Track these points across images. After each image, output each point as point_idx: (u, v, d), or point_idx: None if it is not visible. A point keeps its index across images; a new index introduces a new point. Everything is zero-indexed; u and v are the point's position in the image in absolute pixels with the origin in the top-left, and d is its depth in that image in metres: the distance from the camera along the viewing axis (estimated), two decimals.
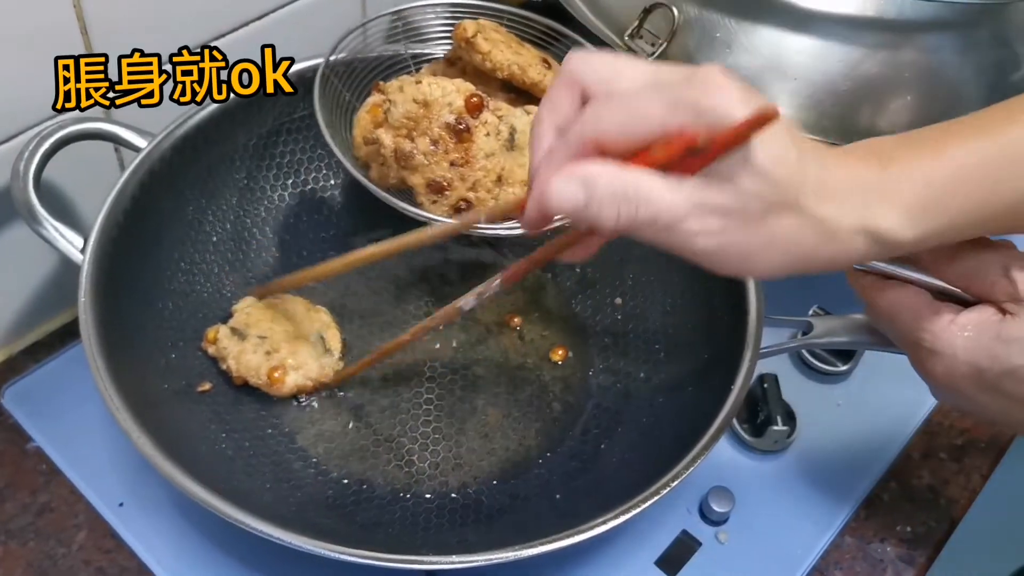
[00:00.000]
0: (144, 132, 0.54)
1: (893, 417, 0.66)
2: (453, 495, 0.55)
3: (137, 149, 0.54)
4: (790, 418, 0.63)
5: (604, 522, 0.45)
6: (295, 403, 0.59)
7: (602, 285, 0.64)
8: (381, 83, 0.58)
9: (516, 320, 0.64)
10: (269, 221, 0.64)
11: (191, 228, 0.60)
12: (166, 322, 0.57)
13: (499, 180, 0.56)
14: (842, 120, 0.60)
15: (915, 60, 0.59)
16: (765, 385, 0.62)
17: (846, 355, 0.67)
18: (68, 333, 0.65)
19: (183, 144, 0.55)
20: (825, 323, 0.53)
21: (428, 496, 0.54)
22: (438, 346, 0.63)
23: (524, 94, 0.60)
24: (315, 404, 0.59)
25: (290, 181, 0.65)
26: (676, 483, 0.46)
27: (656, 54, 0.58)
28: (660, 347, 0.60)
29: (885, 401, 0.66)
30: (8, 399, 0.61)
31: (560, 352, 0.62)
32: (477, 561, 0.43)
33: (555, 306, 0.61)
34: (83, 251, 0.50)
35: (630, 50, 0.60)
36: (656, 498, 0.46)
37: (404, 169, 0.55)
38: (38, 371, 0.62)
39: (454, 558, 0.43)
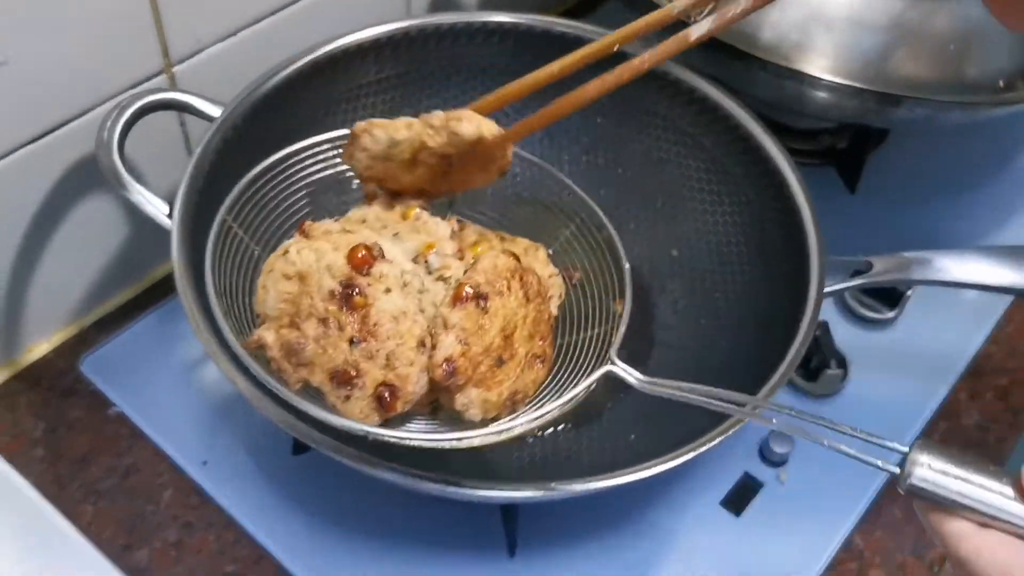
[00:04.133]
0: (216, 102, 0.56)
1: (940, 360, 0.68)
2: (529, 439, 0.57)
3: (210, 118, 0.56)
4: (842, 363, 0.65)
5: (675, 456, 0.46)
6: None
7: (656, 237, 0.66)
8: (307, 224, 0.49)
9: (575, 275, 0.66)
10: None
11: None
12: None
13: (421, 344, 0.45)
14: (884, 69, 0.62)
15: (956, 9, 0.61)
16: (817, 331, 0.64)
17: (892, 302, 0.69)
18: (134, 307, 0.67)
19: (253, 112, 0.56)
20: (884, 262, 0.55)
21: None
22: None
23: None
24: None
25: None
26: (745, 422, 0.48)
27: (705, 12, 0.60)
28: (720, 295, 0.62)
29: (931, 345, 0.69)
30: (87, 368, 0.63)
31: (620, 304, 0.64)
32: (555, 490, 0.45)
33: (612, 260, 0.63)
34: (170, 216, 0.51)
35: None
36: (726, 435, 0.47)
37: (300, 367, 0.44)
38: (111, 342, 0.64)
39: (529, 491, 0.45)
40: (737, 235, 0.62)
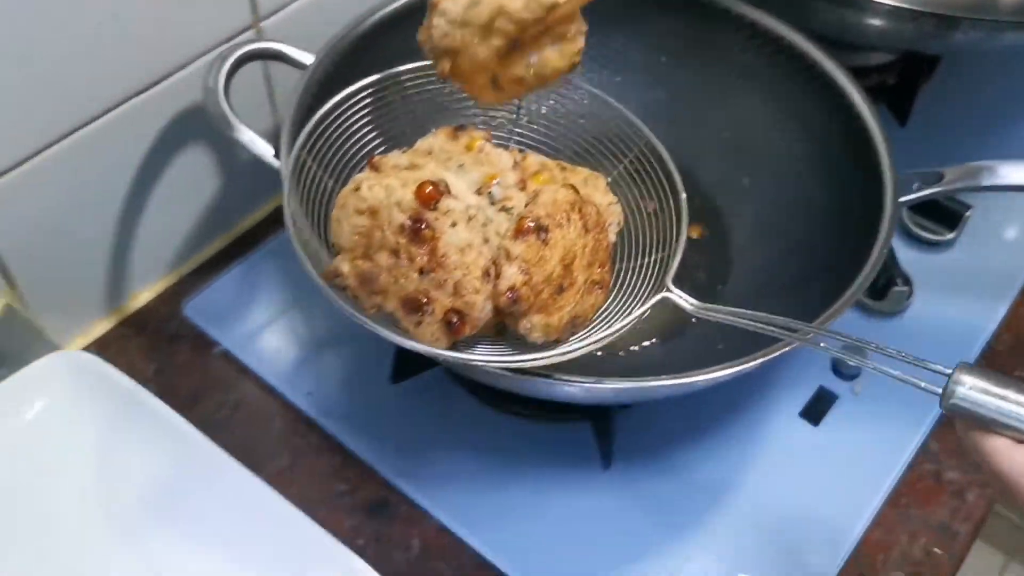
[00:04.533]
0: (307, 50, 0.59)
1: (999, 278, 0.70)
2: (620, 353, 0.60)
3: (303, 65, 0.59)
4: (907, 281, 0.68)
5: (760, 356, 0.49)
6: None
7: (726, 168, 0.69)
8: (376, 158, 0.51)
9: (651, 203, 0.68)
10: None
11: None
12: None
13: (486, 274, 0.47)
14: None
15: None
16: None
17: (951, 223, 0.71)
18: (226, 256, 0.71)
19: (342, 59, 0.59)
20: (953, 172, 0.57)
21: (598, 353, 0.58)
22: None
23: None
24: None
25: None
26: (827, 324, 0.51)
27: None
28: (791, 216, 0.64)
29: (990, 265, 0.71)
30: (189, 312, 0.66)
31: (697, 230, 0.67)
32: (648, 382, 0.48)
33: (686, 185, 0.65)
34: (276, 157, 0.55)
35: None
36: (807, 338, 0.50)
37: (374, 294, 0.47)
38: (209, 288, 0.68)
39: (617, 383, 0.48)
40: (806, 158, 0.65)
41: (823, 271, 0.59)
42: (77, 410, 0.54)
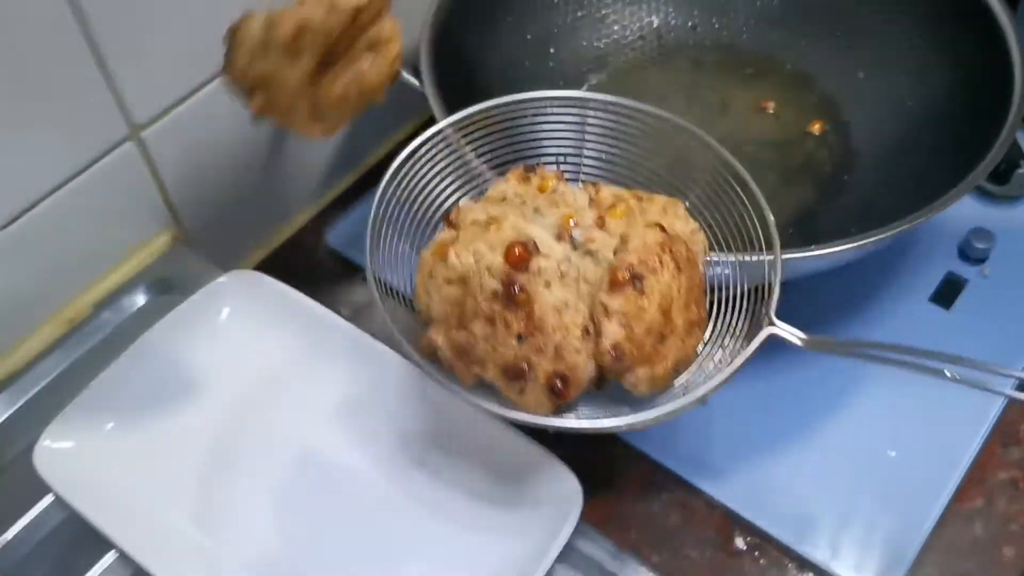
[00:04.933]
0: None
1: None
2: None
3: None
4: None
5: (889, 229, 0.51)
6: None
7: (840, 62, 0.69)
8: (453, 214, 0.49)
9: (770, 104, 0.70)
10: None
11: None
12: None
13: (585, 331, 0.45)
14: None
15: None
16: None
17: None
18: (357, 189, 0.75)
19: None
20: None
21: None
22: None
23: None
24: None
25: None
26: (958, 198, 0.52)
27: None
28: (914, 102, 0.65)
29: None
30: (332, 240, 0.71)
31: (818, 125, 0.68)
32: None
33: (803, 84, 0.66)
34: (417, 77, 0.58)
35: None
36: (943, 209, 0.52)
37: (472, 364, 0.46)
38: (347, 218, 0.72)
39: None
40: (924, 45, 0.64)
41: (946, 155, 0.60)
42: (257, 318, 0.58)
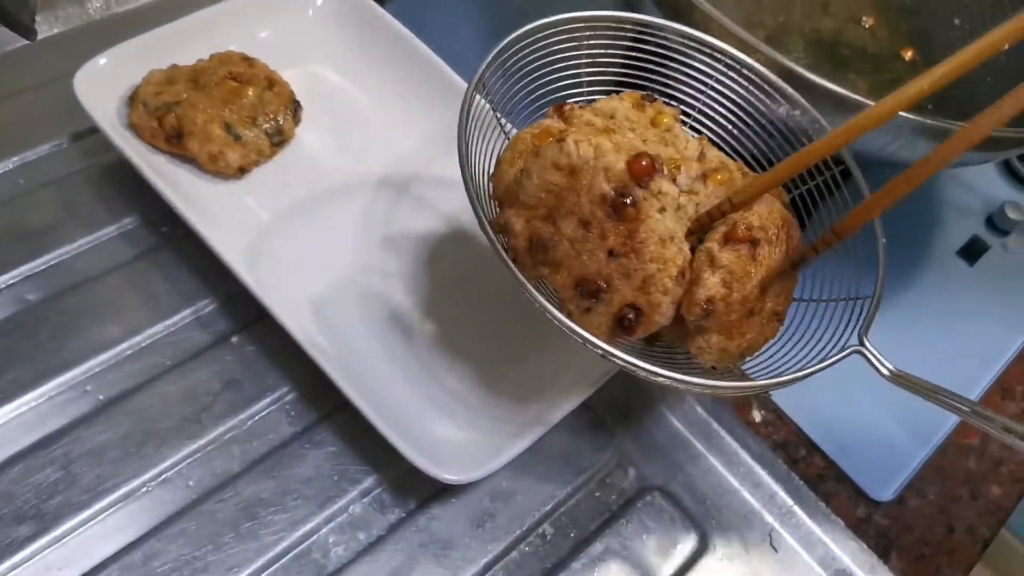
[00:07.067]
0: None
1: None
2: None
3: None
4: None
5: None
6: None
7: (942, 4, 0.70)
8: (567, 106, 0.44)
9: (869, 19, 0.69)
10: None
11: None
12: None
13: (681, 275, 0.40)
14: None
15: None
16: None
17: None
18: None
19: None
20: None
21: None
22: None
23: None
24: None
25: None
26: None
27: None
28: (1004, 58, 0.65)
29: None
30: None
31: (910, 52, 0.68)
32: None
33: (900, 11, 0.64)
34: None
35: None
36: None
37: (542, 264, 0.41)
38: None
39: None
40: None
41: None
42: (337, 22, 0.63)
